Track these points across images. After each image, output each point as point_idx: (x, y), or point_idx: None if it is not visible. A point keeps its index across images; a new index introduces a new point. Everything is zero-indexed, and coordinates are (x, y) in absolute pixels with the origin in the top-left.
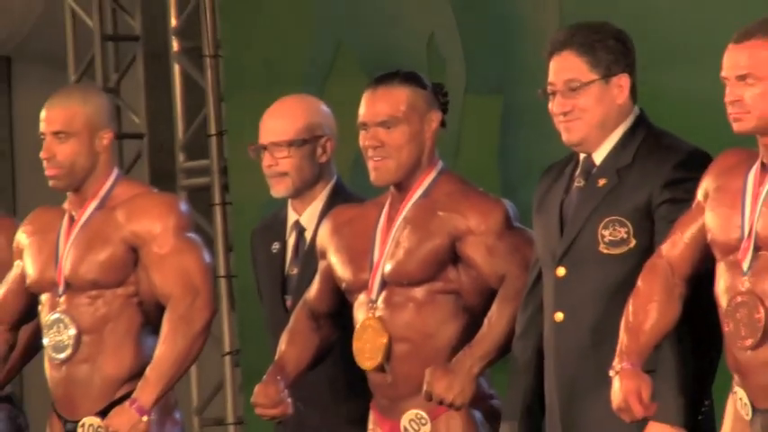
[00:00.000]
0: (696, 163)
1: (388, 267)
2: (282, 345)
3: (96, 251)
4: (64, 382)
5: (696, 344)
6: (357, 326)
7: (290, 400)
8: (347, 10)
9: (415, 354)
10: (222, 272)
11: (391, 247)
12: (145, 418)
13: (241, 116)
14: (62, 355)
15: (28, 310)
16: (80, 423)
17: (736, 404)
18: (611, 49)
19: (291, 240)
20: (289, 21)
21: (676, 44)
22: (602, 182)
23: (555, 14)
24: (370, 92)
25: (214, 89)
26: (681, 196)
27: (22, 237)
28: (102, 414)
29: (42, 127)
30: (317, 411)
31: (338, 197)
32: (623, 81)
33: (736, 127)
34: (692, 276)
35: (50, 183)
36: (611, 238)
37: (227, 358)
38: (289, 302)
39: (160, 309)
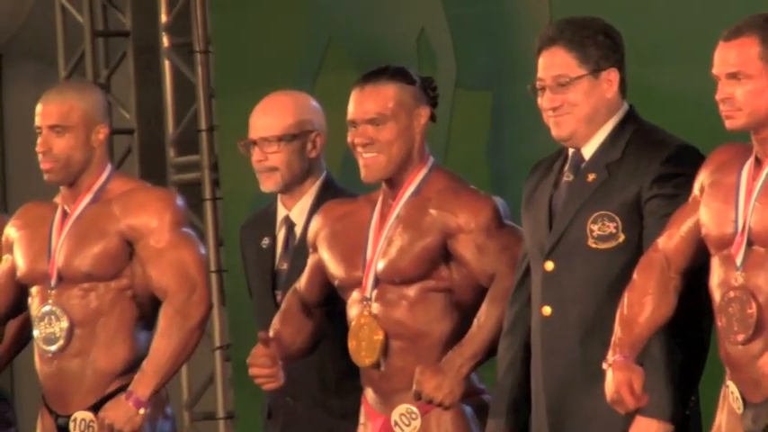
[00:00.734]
0: (685, 158)
1: (380, 265)
2: (276, 324)
3: (91, 243)
4: (55, 375)
5: (684, 338)
6: (352, 324)
7: (282, 373)
8: (338, 5)
9: (408, 350)
10: (213, 267)
11: (384, 245)
12: (141, 411)
13: (231, 112)
14: (53, 348)
15: (16, 304)
16: (72, 418)
17: (729, 398)
18: (600, 44)
19: (281, 235)
20: (279, 16)
21: (666, 39)
22: (591, 177)
23: (545, 10)
24: (358, 89)
25: (204, 85)
26: (670, 192)
27: (11, 231)
28: (94, 409)
29: (38, 121)
30: (306, 406)
31: (328, 192)
32: (612, 76)
33: (728, 124)
34: (688, 270)
35: (45, 177)
36: (599, 232)
37: (218, 353)
38: (279, 297)
39: (154, 303)
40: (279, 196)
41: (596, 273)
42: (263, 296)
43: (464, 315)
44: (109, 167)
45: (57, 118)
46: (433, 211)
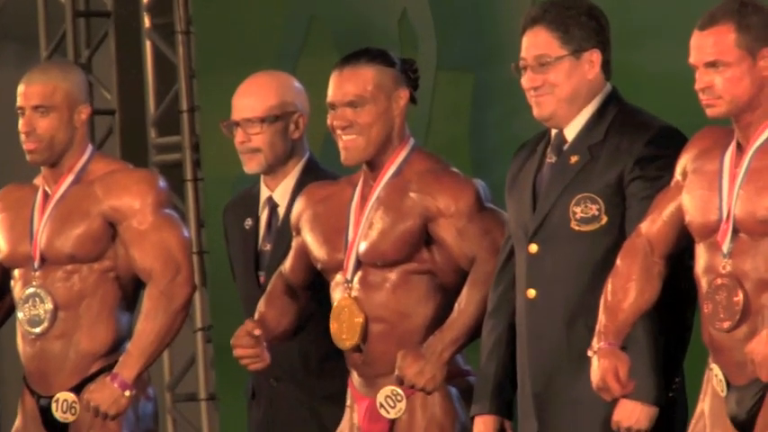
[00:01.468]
0: (668, 140)
1: (362, 247)
2: (261, 306)
3: (73, 225)
4: (37, 357)
5: (667, 322)
6: (334, 306)
7: (267, 353)
8: None
9: (390, 333)
10: (194, 248)
11: (365, 228)
12: (127, 393)
13: (213, 92)
14: (37, 329)
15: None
16: (54, 399)
17: (713, 381)
18: (582, 24)
19: (264, 216)
20: None
21: (649, 21)
22: (573, 159)
23: None
24: (337, 72)
25: (186, 65)
26: (652, 174)
27: None
28: (76, 390)
29: (21, 101)
30: (290, 388)
31: (311, 173)
32: (594, 57)
33: (709, 113)
34: (672, 254)
35: (28, 157)
36: (582, 215)
37: (199, 334)
38: (262, 278)
39: (137, 284)
40: (262, 177)
41: (580, 255)
42: (247, 277)
43: (446, 298)
44: (90, 148)
45: (40, 98)
46: (413, 195)
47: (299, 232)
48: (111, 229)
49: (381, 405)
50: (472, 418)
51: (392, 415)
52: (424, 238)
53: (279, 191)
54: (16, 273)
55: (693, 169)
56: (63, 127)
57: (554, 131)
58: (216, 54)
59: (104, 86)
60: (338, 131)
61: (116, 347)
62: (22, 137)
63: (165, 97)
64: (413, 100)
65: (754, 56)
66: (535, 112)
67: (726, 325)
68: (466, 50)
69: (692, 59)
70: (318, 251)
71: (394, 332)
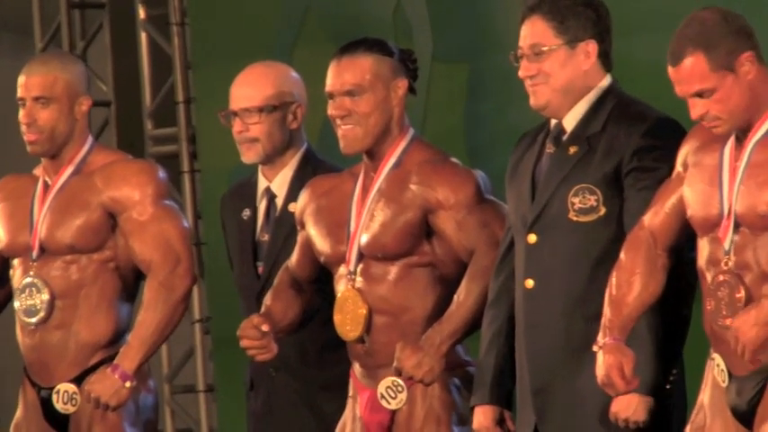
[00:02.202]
0: (665, 131)
1: (363, 239)
2: (268, 300)
3: (73, 215)
4: (37, 348)
5: (666, 313)
6: (337, 297)
7: (275, 345)
8: None
9: (392, 325)
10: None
11: (366, 220)
12: (128, 384)
13: (208, 83)
14: (34, 320)
15: None
16: (55, 390)
17: (714, 371)
18: (579, 15)
19: (262, 207)
20: None
21: (646, 10)
22: (572, 149)
23: None
24: (336, 61)
25: (181, 57)
26: (650, 164)
27: None
28: (77, 381)
29: (21, 92)
30: (288, 378)
31: (309, 164)
32: (590, 47)
33: (716, 132)
34: (675, 247)
35: (29, 148)
36: (580, 205)
37: (197, 326)
38: (260, 269)
39: (136, 275)
40: (259, 167)
41: (578, 246)
42: (244, 268)
43: (447, 289)
44: (90, 139)
45: (41, 89)
46: (413, 186)
47: (303, 226)
48: (111, 219)
49: (382, 396)
50: (472, 409)
51: (393, 406)
52: (425, 230)
53: (277, 181)
54: (15, 262)
55: (694, 162)
56: (64, 118)
57: (553, 122)
58: (211, 45)
59: (100, 78)
60: (337, 121)
61: (116, 339)
62: (23, 128)
63: (160, 89)
64: (412, 90)
65: (732, 69)
66: (531, 101)
67: (728, 322)
68: (461, 41)
69: (678, 92)
70: (322, 244)
71: (396, 324)
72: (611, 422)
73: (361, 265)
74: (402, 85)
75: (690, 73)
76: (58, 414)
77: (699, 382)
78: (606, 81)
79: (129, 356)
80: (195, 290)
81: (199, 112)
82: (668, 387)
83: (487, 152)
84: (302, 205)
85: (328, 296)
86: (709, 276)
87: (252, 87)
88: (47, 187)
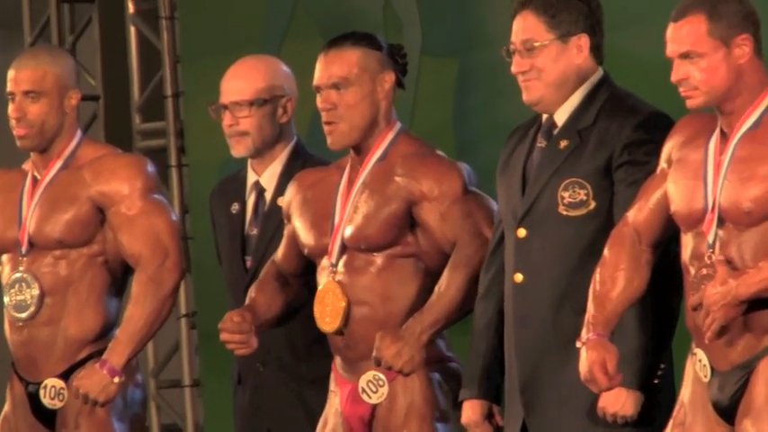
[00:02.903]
0: (656, 125)
1: (347, 232)
2: (252, 293)
3: (62, 210)
4: (26, 343)
5: (653, 308)
6: (318, 289)
7: (255, 338)
8: None
9: (373, 316)
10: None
11: (350, 212)
12: (116, 380)
13: (197, 78)
14: (24, 315)
15: None
16: (42, 385)
17: (695, 366)
18: (571, 9)
19: (251, 201)
20: None
21: (638, 5)
22: (563, 143)
23: None
24: (323, 55)
25: (170, 51)
26: (640, 158)
27: None
28: (64, 376)
29: (11, 87)
30: (276, 372)
31: (298, 158)
32: (583, 41)
33: (688, 104)
34: (659, 242)
35: (19, 143)
36: (570, 200)
37: (184, 320)
38: (249, 263)
39: (125, 269)
40: (249, 161)
41: (567, 240)
42: (233, 262)
43: (430, 281)
44: (79, 133)
45: (31, 83)
46: (398, 178)
47: (289, 219)
48: (100, 214)
49: (363, 390)
50: (461, 403)
51: (374, 400)
52: (409, 221)
53: (266, 175)
54: (4, 258)
55: (678, 158)
56: (53, 112)
57: (545, 116)
58: (200, 39)
59: (88, 72)
60: (323, 115)
61: (105, 333)
62: (13, 122)
63: (149, 83)
64: (400, 85)
65: (728, 44)
66: (524, 96)
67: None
68: (450, 36)
69: (667, 52)
70: (306, 236)
71: (376, 315)
72: (599, 417)
73: (343, 258)
74: (389, 78)
75: (687, 31)
76: (45, 409)
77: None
78: (598, 74)
79: (117, 352)
80: (182, 285)
81: (187, 106)
82: (656, 382)
83: (476, 146)
84: (289, 198)
85: (313, 290)
86: (692, 271)
87: (242, 81)
88: (36, 182)
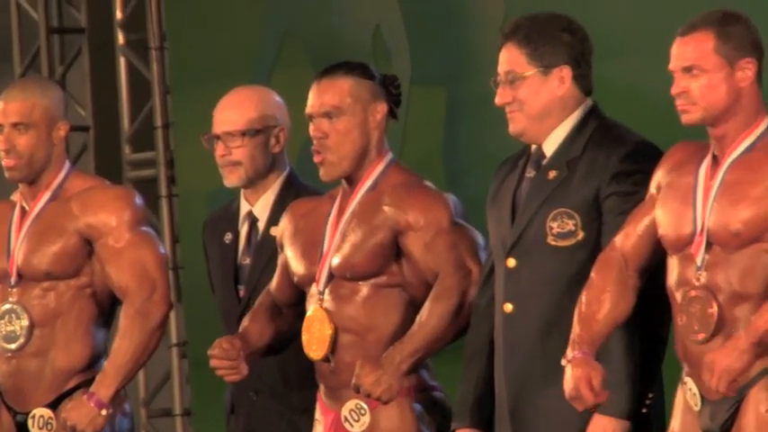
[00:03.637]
0: (644, 155)
1: (335, 261)
2: (245, 322)
3: (50, 242)
4: (14, 374)
5: (642, 335)
6: (306, 317)
7: (245, 365)
8: (293, 1)
9: (358, 345)
10: (169, 264)
11: (338, 241)
12: (103, 412)
13: (187, 108)
14: (13, 346)
15: None
16: (30, 415)
17: (686, 395)
18: (554, 40)
19: (244, 231)
20: (235, 12)
21: (625, 34)
22: (552, 174)
23: (500, 6)
24: (316, 83)
25: (160, 81)
26: (628, 189)
27: None
28: (52, 406)
29: (0, 118)
30: (269, 401)
31: (291, 188)
32: (565, 73)
33: (683, 119)
34: (646, 268)
35: (7, 174)
36: (558, 230)
37: (175, 350)
38: (242, 292)
39: (113, 300)
40: (242, 191)
41: (556, 270)
42: (226, 291)
43: (415, 312)
44: (67, 164)
45: (19, 115)
46: (386, 208)
47: (283, 248)
48: (88, 246)
49: (346, 419)
50: None
51: (356, 429)
52: (395, 251)
53: (259, 205)
54: None
55: (668, 183)
56: (42, 144)
57: (534, 146)
58: (190, 70)
59: (78, 103)
60: (315, 144)
61: (92, 364)
62: (1, 153)
63: (139, 113)
64: (393, 115)
65: (732, 65)
66: (509, 128)
67: (701, 336)
68: (439, 65)
69: (670, 65)
70: (296, 265)
71: (362, 344)
72: None
73: (330, 286)
74: (381, 109)
75: (694, 46)
76: None
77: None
78: (586, 105)
79: (104, 384)
80: (173, 314)
81: (177, 136)
82: (645, 411)
83: (466, 175)
84: (282, 228)
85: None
86: (679, 294)
87: (235, 111)
88: (24, 213)
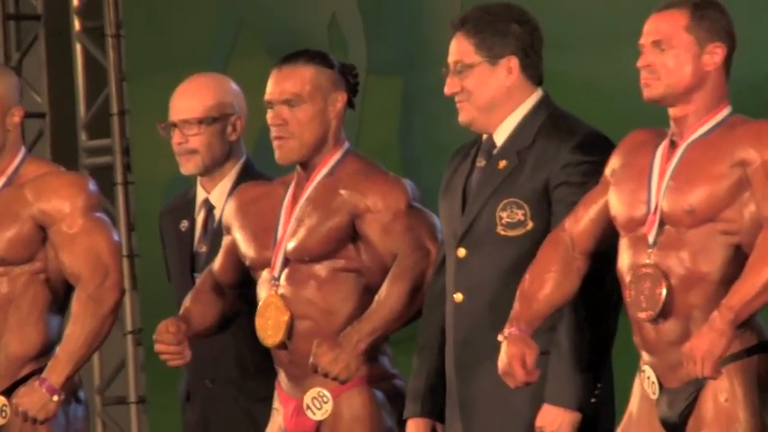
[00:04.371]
0: (593, 146)
1: (290, 245)
2: (187, 302)
3: (4, 228)
4: None
5: (591, 325)
6: (260, 303)
7: (189, 350)
8: None
9: (316, 331)
10: (125, 251)
11: (294, 226)
12: (55, 398)
13: (143, 95)
14: None
15: None
16: None
17: (644, 383)
18: (501, 31)
19: (200, 218)
20: (191, 0)
21: (578, 26)
22: (502, 164)
23: None
24: (276, 70)
25: (116, 68)
26: (578, 179)
27: None
28: (6, 393)
29: None
30: (225, 389)
31: (247, 176)
32: (512, 63)
33: (645, 93)
34: (594, 252)
35: None
36: (508, 219)
37: (129, 337)
38: (198, 280)
39: (67, 286)
40: (198, 179)
41: (505, 260)
42: (182, 279)
43: (372, 298)
44: (23, 150)
45: None
46: (343, 192)
47: (229, 231)
48: (42, 232)
49: (308, 407)
50: (405, 421)
51: (318, 416)
52: (351, 235)
53: (215, 193)
54: None
55: (622, 164)
56: None
57: (485, 136)
58: (146, 57)
59: (34, 89)
60: (273, 130)
61: (46, 350)
62: None
63: (95, 100)
64: (351, 105)
65: (701, 47)
66: (459, 117)
67: (646, 315)
68: (395, 54)
69: (641, 39)
70: (247, 248)
71: (319, 330)
72: None
73: (286, 271)
74: (341, 98)
75: (667, 21)
76: None
77: (628, 394)
78: (537, 95)
79: (56, 370)
80: (128, 301)
81: (133, 123)
82: (593, 401)
83: (421, 164)
84: (229, 210)
85: (254, 303)
86: (629, 274)
87: (192, 99)
88: None
